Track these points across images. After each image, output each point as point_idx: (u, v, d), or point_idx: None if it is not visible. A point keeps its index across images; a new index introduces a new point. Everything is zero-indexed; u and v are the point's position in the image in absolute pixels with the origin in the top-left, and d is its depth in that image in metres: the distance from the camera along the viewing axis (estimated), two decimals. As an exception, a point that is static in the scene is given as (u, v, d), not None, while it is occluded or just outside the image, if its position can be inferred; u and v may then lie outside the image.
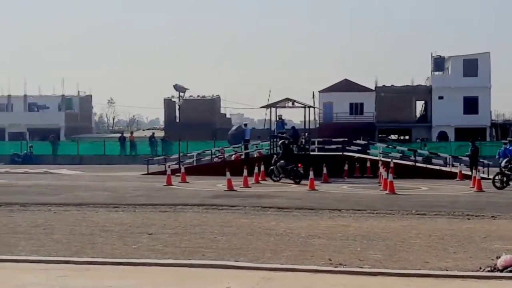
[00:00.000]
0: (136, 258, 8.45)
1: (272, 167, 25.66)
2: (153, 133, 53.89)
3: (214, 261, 8.30)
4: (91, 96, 72.89)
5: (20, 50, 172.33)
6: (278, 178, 25.13)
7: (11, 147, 53.25)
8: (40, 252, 9.10)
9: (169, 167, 27.35)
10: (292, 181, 24.23)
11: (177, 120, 58.71)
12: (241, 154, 32.87)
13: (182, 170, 26.37)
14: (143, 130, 79.10)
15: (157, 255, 8.89)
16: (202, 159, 33.94)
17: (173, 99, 60.95)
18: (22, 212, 14.65)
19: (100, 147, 54.54)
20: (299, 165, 24.51)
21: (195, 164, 32.18)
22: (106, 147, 54.26)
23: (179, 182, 24.10)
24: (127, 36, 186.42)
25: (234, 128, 40.43)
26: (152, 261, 8.21)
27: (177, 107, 60.38)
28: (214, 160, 33.35)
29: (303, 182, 23.08)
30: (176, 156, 32.81)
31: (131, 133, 55.52)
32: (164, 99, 63.31)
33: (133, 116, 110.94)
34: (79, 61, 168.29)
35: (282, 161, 25.01)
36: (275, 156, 26.62)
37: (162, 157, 35.04)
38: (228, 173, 21.13)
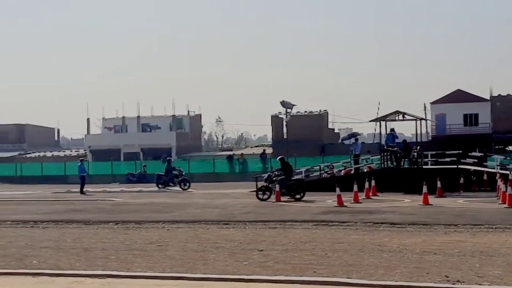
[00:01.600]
0: (247, 275, 8.54)
1: (264, 185, 24.92)
2: (264, 150, 54.40)
3: (326, 277, 8.24)
4: (200, 115, 74.88)
5: (133, 73, 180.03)
6: (267, 197, 23.89)
7: (126, 167, 55.54)
8: (155, 268, 9.34)
9: (277, 184, 27.49)
10: (292, 199, 23.68)
11: (285, 137, 59.29)
12: (351, 169, 32.57)
13: (291, 186, 26.38)
14: (251, 147, 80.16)
15: (268, 272, 8.94)
16: (310, 175, 33.90)
17: (280, 116, 61.64)
18: (137, 229, 15.13)
19: (210, 165, 55.85)
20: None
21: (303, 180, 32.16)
22: (216, 165, 55.50)
23: (288, 198, 24.15)
24: (236, 57, 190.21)
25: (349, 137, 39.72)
26: (263, 277, 8.27)
27: (284, 123, 61.05)
28: (323, 175, 33.21)
29: (416, 197, 22.51)
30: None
31: (241, 154, 56.25)
32: (272, 116, 63.88)
33: (241, 133, 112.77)
34: (189, 82, 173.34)
35: (282, 177, 24.42)
36: (270, 173, 26.11)
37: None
38: (338, 189, 20.93)
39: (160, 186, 35.27)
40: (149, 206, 22.29)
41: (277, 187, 24.04)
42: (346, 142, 39.79)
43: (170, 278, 8.26)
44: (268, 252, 10.86)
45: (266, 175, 26.36)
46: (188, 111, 71.63)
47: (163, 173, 35.43)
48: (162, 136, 66.67)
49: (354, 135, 37.53)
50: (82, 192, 31.66)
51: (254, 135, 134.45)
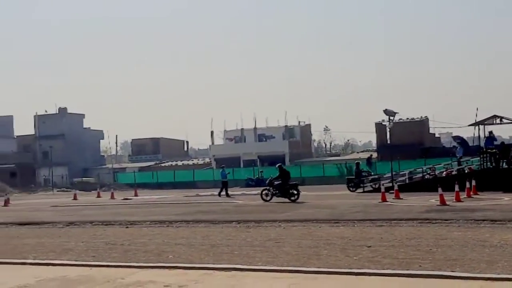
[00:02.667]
0: (357, 268, 8.44)
1: (266, 187, 26.21)
2: (371, 155, 53.43)
3: (431, 271, 8.00)
4: (310, 125, 74.81)
5: (250, 89, 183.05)
6: (269, 198, 25.45)
7: (245, 172, 56.54)
8: (274, 262, 9.40)
9: (383, 185, 27.00)
10: (288, 200, 24.81)
11: (388, 142, 58.03)
12: (452, 171, 31.41)
13: (395, 187, 25.88)
14: (357, 152, 79.08)
15: (377, 266, 8.78)
16: (413, 177, 32.98)
17: (383, 123, 60.44)
18: (257, 228, 15.27)
19: (320, 169, 55.78)
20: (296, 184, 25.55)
21: (407, 181, 31.45)
22: (325, 169, 55.28)
23: (393, 198, 23.64)
24: (343, 71, 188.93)
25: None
26: (372, 271, 8.13)
27: (387, 130, 59.78)
28: (426, 177, 32.23)
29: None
30: (389, 175, 32.28)
31: (370, 155, 54.76)
32: (375, 123, 62.77)
33: (348, 140, 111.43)
34: (299, 96, 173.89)
35: (279, 182, 25.52)
36: (271, 177, 27.07)
37: (376, 176, 34.68)
38: (440, 189, 20.29)
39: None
40: (266, 207, 22.50)
41: (382, 188, 23.63)
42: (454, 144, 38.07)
43: (287, 271, 8.30)
44: (376, 248, 10.68)
45: (268, 180, 27.03)
46: (299, 122, 71.82)
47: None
48: (276, 144, 67.15)
49: (458, 138, 36.05)
50: (221, 194, 31.32)
51: (360, 141, 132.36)
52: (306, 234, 13.28)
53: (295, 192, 25.32)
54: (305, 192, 33.84)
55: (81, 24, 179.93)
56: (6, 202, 32.67)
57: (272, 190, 25.87)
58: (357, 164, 35.00)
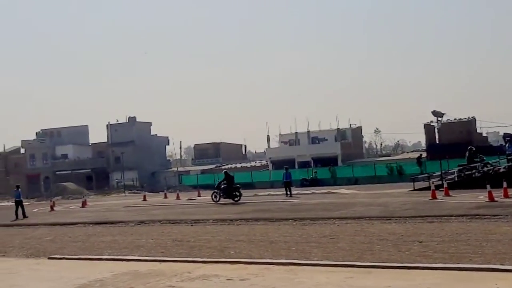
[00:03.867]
0: (409, 263, 8.29)
1: (215, 190, 28.63)
2: (421, 154, 52.37)
3: (481, 265, 7.77)
4: (361, 127, 73.87)
5: (303, 94, 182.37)
6: (218, 199, 28.01)
7: (300, 173, 56.31)
8: (329, 258, 9.35)
9: (433, 183, 26.38)
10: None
11: (437, 142, 56.70)
12: (499, 168, 30.33)
13: (445, 185, 25.24)
14: (407, 152, 77.58)
15: (428, 260, 8.61)
16: (462, 174, 32.02)
17: (432, 124, 59.15)
18: (312, 225, 15.23)
19: (371, 169, 54.97)
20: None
21: (456, 179, 30.56)
22: (376, 169, 54.47)
23: (443, 196, 23.07)
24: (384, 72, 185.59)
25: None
26: (424, 265, 7.97)
27: (436, 130, 58.49)
28: (474, 175, 31.24)
29: None
30: (439, 173, 31.48)
31: (420, 155, 53.01)
32: (424, 124, 61.46)
33: (398, 141, 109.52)
34: (350, 99, 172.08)
35: (225, 186, 28.08)
36: (219, 182, 29.09)
37: (426, 174, 33.90)
38: (488, 186, 19.67)
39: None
40: (321, 205, 22.36)
41: (432, 186, 23.11)
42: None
43: (342, 265, 8.23)
44: (427, 243, 10.46)
45: (217, 184, 29.16)
46: (350, 124, 71.04)
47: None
48: (329, 146, 66.64)
49: (507, 136, 34.78)
50: (287, 194, 30.60)
51: (409, 142, 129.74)
52: (359, 231, 13.15)
53: (238, 194, 28.06)
54: (357, 191, 33.59)
55: (144, 35, 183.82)
56: (84, 204, 33.74)
57: (219, 193, 28.30)
58: (470, 149, 31.02)
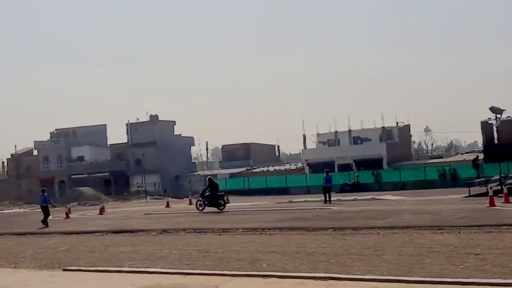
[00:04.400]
0: (464, 278, 8.16)
1: (199, 198, 30.01)
2: (477, 156, 51.46)
3: (548, 282, 7.59)
4: (409, 126, 73.07)
5: (343, 89, 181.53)
6: (202, 207, 29.24)
7: (340, 177, 55.95)
8: (373, 272, 9.28)
9: (490, 188, 25.91)
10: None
11: (496, 142, 55.65)
12: None
13: (505, 190, 24.77)
14: (462, 154, 76.51)
15: (485, 275, 8.45)
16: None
17: (490, 122, 58.09)
18: (354, 235, 15.13)
19: (420, 173, 54.35)
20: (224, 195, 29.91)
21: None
22: (426, 173, 53.83)
23: (502, 203, 22.66)
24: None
25: None
26: (481, 280, 7.83)
27: (494, 129, 57.38)
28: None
29: None
30: (497, 177, 30.90)
31: (476, 157, 52.25)
32: (481, 122, 60.41)
33: (451, 141, 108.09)
34: (397, 95, 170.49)
35: (209, 193, 29.37)
36: (201, 188, 31.35)
37: (483, 179, 33.30)
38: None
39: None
40: (363, 213, 22.20)
41: (490, 192, 22.70)
42: None
43: (388, 281, 8.16)
44: (485, 256, 10.28)
45: (201, 191, 30.73)
46: (397, 122, 70.32)
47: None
48: (372, 147, 66.12)
49: None
50: (326, 201, 30.24)
51: (465, 142, 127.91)
52: (407, 242, 13.01)
53: (222, 202, 29.49)
54: (405, 197, 33.22)
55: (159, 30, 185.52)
56: (102, 211, 34.22)
57: (204, 201, 29.49)
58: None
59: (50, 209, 27.37)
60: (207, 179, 31.73)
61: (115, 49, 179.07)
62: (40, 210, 27.06)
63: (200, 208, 29.48)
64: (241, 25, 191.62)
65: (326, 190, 31.25)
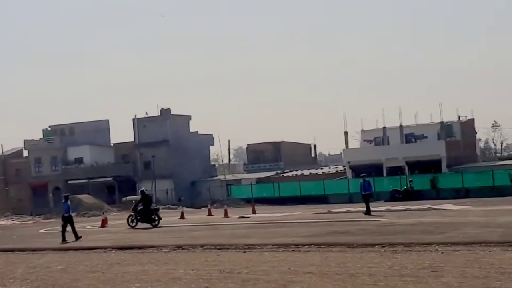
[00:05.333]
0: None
1: (131, 213, 31.69)
2: None
3: None
4: (473, 120, 72.39)
5: (392, 77, 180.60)
6: (135, 224, 31.06)
7: (390, 182, 55.70)
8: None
9: None
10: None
11: None
12: None
13: None
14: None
15: None
16: None
17: None
18: (407, 253, 15.08)
19: (488, 177, 53.71)
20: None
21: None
22: (495, 177, 53.21)
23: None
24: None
25: None
26: None
27: None
28: None
29: None
30: None
31: None
32: None
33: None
34: (458, 84, 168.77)
35: (142, 208, 31.29)
36: (134, 202, 33.28)
37: None
38: None
39: None
40: (419, 226, 22.09)
41: None
42: None
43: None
44: None
45: (133, 205, 32.44)
46: (459, 116, 69.66)
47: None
48: (429, 146, 65.57)
49: None
50: (367, 212, 30.17)
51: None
52: (471, 261, 12.93)
53: (156, 217, 31.11)
54: (469, 207, 32.91)
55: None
56: (104, 223, 34.51)
57: (136, 216, 31.28)
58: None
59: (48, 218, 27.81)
60: (140, 191, 34.73)
61: (119, 36, 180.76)
62: (61, 221, 26.15)
63: (132, 224, 31.27)
64: (272, 13, 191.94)
65: (366, 198, 31.01)
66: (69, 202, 26.67)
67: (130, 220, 31.54)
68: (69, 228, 25.34)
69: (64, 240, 24.66)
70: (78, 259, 18.04)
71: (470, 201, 38.13)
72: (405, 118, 70.63)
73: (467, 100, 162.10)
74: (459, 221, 23.34)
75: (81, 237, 25.03)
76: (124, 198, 66.16)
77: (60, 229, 25.78)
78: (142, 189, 36.40)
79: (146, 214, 31.20)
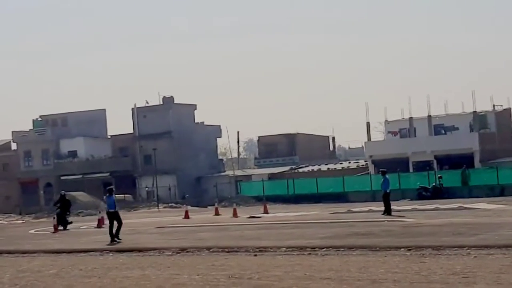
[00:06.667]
0: None
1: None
2: None
3: None
4: (509, 110, 71.99)
5: (420, 61, 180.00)
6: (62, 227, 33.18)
7: (417, 179, 55.50)
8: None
9: None
10: None
11: None
12: None
13: None
14: None
15: None
16: None
17: None
18: (435, 256, 15.10)
19: (527, 173, 53.53)
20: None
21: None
22: (535, 173, 53.05)
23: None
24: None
25: None
26: None
27: None
28: None
29: None
30: None
31: None
32: None
33: None
34: (492, 69, 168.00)
35: (58, 210, 34.34)
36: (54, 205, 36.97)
37: None
38: None
39: None
40: (449, 227, 22.05)
41: None
42: None
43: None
44: None
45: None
46: (494, 106, 69.33)
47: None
48: (460, 139, 65.35)
49: None
50: (386, 212, 29.95)
51: None
52: (508, 266, 12.95)
53: (65, 221, 33.73)
54: (504, 206, 32.81)
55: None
56: (100, 222, 34.58)
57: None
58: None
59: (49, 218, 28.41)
60: (60, 193, 37.79)
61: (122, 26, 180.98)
62: (107, 217, 26.01)
63: (61, 228, 33.26)
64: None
65: (384, 196, 30.66)
66: (113, 196, 26.02)
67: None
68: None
69: (113, 240, 23.95)
70: (72, 262, 18.13)
71: (506, 200, 37.99)
72: (433, 108, 70.33)
73: (503, 87, 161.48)
74: (493, 222, 23.35)
75: (121, 239, 24.09)
76: (123, 196, 66.28)
77: (108, 230, 24.94)
78: (63, 192, 39.08)
79: (62, 217, 33.82)
